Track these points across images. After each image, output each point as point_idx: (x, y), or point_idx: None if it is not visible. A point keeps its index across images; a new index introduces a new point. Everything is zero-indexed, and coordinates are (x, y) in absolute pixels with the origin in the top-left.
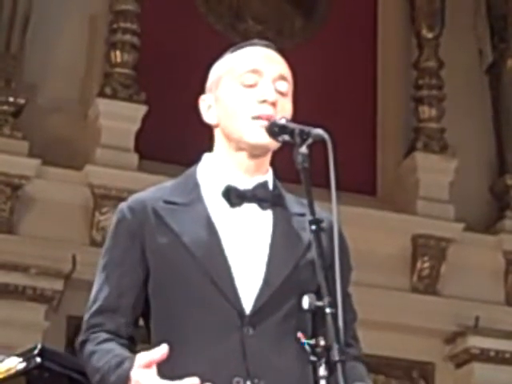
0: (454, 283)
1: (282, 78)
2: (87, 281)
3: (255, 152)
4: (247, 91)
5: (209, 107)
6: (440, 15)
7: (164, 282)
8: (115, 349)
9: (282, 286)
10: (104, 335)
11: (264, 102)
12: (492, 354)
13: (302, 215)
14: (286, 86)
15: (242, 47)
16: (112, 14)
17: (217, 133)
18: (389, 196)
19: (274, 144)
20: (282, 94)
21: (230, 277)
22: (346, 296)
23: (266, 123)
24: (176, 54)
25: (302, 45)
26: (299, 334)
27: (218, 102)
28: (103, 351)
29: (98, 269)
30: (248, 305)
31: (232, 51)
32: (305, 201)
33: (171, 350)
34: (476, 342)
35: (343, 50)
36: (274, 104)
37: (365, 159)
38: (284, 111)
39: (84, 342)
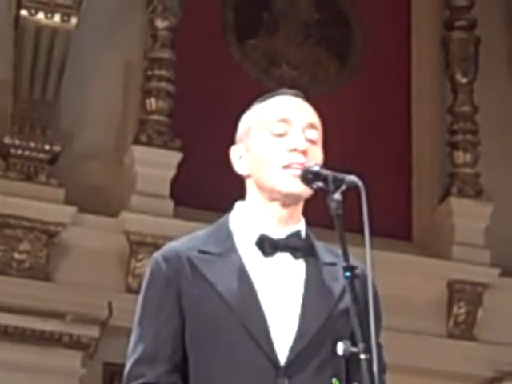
0: (491, 328)
1: (312, 126)
2: (123, 327)
3: (288, 201)
4: (277, 140)
5: (240, 157)
6: (474, 60)
7: (199, 332)
8: None
9: (316, 335)
10: None
11: (294, 150)
12: None
13: (334, 265)
14: (316, 134)
15: (271, 97)
16: (147, 61)
17: (249, 183)
18: (424, 241)
19: (306, 192)
20: (312, 142)
21: (265, 328)
22: (377, 346)
23: (297, 172)
24: (211, 101)
25: (336, 90)
26: (333, 380)
27: (249, 152)
28: None
29: (134, 320)
30: (282, 356)
31: (260, 101)
32: (336, 249)
33: None
34: None
35: (377, 95)
36: (304, 152)
37: (400, 204)
38: (315, 159)
39: None
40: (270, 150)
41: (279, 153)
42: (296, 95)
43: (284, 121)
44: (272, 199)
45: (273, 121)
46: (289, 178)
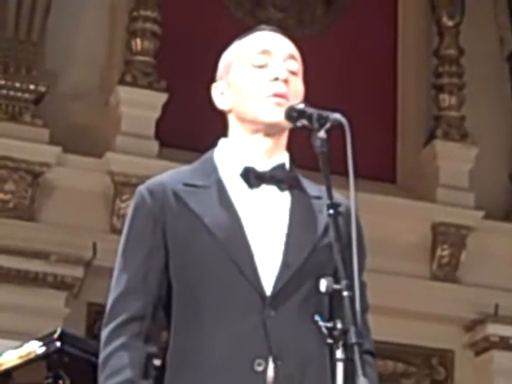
0: (474, 271)
1: (292, 57)
2: (107, 268)
3: (271, 131)
4: (258, 72)
5: (221, 94)
6: (460, 3)
7: (184, 264)
8: (125, 368)
9: (301, 267)
10: (123, 340)
11: (276, 79)
12: None
13: (319, 198)
14: (297, 66)
15: (250, 33)
16: (132, 2)
17: (230, 118)
18: (409, 184)
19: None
20: (292, 73)
21: (251, 258)
22: (361, 284)
23: (280, 100)
24: (196, 42)
25: (323, 32)
26: (317, 317)
27: (231, 87)
28: (113, 368)
29: (118, 252)
30: (268, 286)
31: (240, 38)
32: (321, 187)
33: (192, 333)
34: (495, 329)
35: (363, 37)
36: (286, 81)
37: (385, 147)
38: (296, 90)
39: (104, 344)
40: (251, 81)
41: (261, 83)
42: (275, 31)
43: (264, 52)
44: (255, 131)
45: (253, 53)
46: (271, 106)
